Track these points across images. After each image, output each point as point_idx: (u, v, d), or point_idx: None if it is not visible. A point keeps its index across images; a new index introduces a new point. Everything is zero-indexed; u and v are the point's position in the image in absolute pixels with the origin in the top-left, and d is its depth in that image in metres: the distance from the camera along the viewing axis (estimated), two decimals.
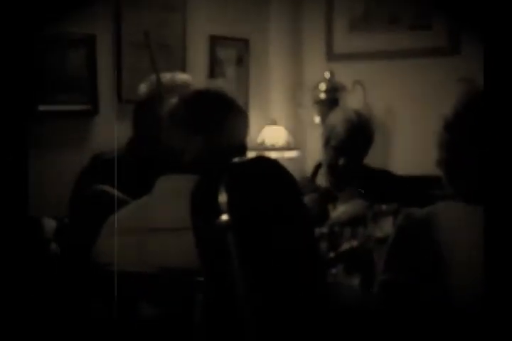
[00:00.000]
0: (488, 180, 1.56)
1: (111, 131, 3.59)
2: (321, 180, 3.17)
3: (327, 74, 4.64)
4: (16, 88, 1.65)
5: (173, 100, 1.99)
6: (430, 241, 1.70)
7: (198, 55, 4.25)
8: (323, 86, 4.62)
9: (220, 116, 1.92)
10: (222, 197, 1.61)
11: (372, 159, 3.20)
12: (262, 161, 1.72)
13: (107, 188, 2.23)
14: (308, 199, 2.72)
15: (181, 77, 2.68)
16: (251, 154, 2.05)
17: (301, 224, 1.70)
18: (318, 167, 3.21)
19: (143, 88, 2.68)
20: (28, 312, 1.64)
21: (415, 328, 1.73)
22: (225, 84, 2.16)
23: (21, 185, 1.63)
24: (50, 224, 2.14)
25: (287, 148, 4.57)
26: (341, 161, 3.02)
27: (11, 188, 1.60)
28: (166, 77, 2.67)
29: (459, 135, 1.76)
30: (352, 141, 3.01)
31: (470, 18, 4.33)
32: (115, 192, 2.19)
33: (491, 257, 1.50)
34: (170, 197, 1.87)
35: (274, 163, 1.73)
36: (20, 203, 1.63)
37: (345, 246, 2.48)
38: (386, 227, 2.42)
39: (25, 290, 1.63)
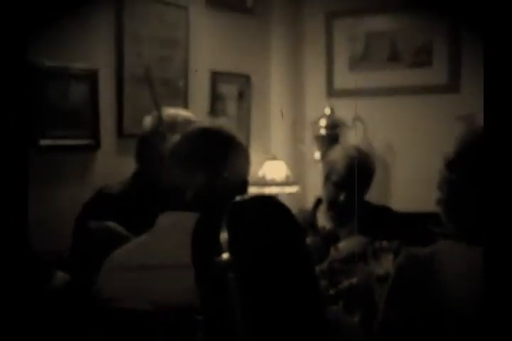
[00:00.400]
0: (487, 220, 1.56)
1: (112, 166, 3.60)
2: (322, 216, 3.17)
3: (327, 110, 4.67)
4: (16, 122, 1.65)
5: (175, 137, 2.00)
6: (431, 281, 1.69)
7: (200, 90, 4.28)
8: (323, 122, 4.64)
9: (222, 153, 1.93)
10: (224, 236, 1.60)
11: (373, 195, 3.21)
12: (264, 200, 1.72)
13: (111, 224, 2.23)
14: (311, 240, 2.72)
15: (183, 113, 2.70)
16: (251, 189, 2.05)
17: (302, 263, 1.69)
18: (318, 202, 3.21)
19: (147, 122, 2.69)
20: None
21: None
22: (226, 122, 2.18)
23: (21, 220, 1.63)
24: (63, 277, 2.13)
25: (287, 183, 4.57)
26: (342, 197, 3.02)
27: (11, 224, 1.60)
28: (169, 112, 2.69)
29: (460, 174, 1.76)
30: (352, 176, 3.01)
31: (470, 52, 4.37)
32: (119, 228, 2.19)
33: (491, 297, 1.50)
34: (171, 234, 1.87)
35: (276, 202, 1.73)
36: (20, 238, 1.62)
37: (345, 283, 2.47)
38: (386, 264, 2.41)
39: (26, 325, 1.62)
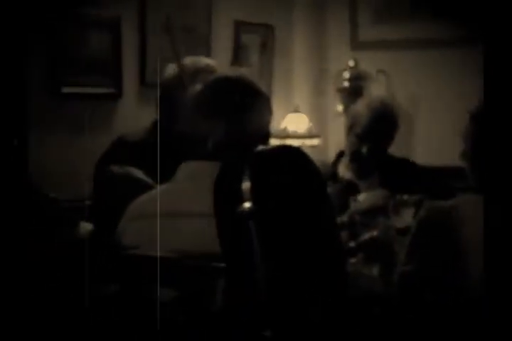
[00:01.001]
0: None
1: (134, 114, 3.60)
2: (343, 169, 3.16)
3: (351, 63, 4.62)
4: (39, 71, 1.64)
5: (197, 86, 1.99)
6: (451, 234, 1.69)
7: (223, 39, 4.24)
8: (346, 74, 4.60)
9: (243, 102, 1.92)
10: (246, 185, 1.60)
11: (395, 148, 3.19)
12: (286, 149, 1.72)
13: (133, 170, 2.22)
14: (331, 190, 2.72)
15: (205, 61, 2.67)
16: (273, 141, 2.04)
17: (323, 213, 1.69)
18: (340, 155, 3.20)
19: (169, 70, 2.67)
20: (45, 293, 1.65)
21: (433, 319, 1.72)
22: (248, 72, 2.16)
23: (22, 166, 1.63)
24: (86, 227, 2.14)
25: (309, 135, 4.55)
26: (364, 149, 3.01)
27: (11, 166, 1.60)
28: (191, 60, 2.66)
29: (484, 127, 1.74)
30: (376, 128, 3.00)
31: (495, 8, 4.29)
32: (140, 174, 2.19)
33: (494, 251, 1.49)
34: (193, 182, 1.87)
35: (298, 152, 1.72)
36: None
37: (366, 235, 2.48)
38: (407, 218, 2.41)
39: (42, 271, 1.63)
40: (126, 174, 2.22)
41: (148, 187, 2.02)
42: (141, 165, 2.33)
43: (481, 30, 4.39)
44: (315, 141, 4.58)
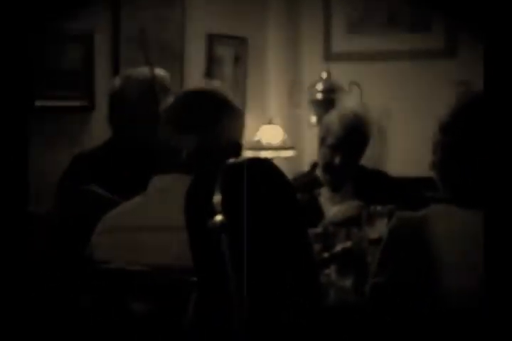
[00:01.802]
0: (483, 184, 1.56)
1: (107, 127, 3.59)
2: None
3: (324, 75, 4.65)
4: (15, 84, 1.64)
5: (169, 99, 1.99)
6: (422, 244, 1.70)
7: (196, 52, 4.25)
8: (320, 86, 4.62)
9: (215, 115, 1.93)
10: (217, 198, 1.60)
11: (368, 160, 3.21)
12: (257, 162, 1.72)
13: (94, 187, 2.23)
14: (296, 184, 2.73)
15: (159, 72, 2.66)
16: (247, 153, 2.05)
17: (295, 225, 1.70)
18: (314, 166, 3.22)
19: (138, 81, 2.65)
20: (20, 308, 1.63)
21: (408, 330, 1.73)
22: (220, 85, 2.16)
23: (22, 182, 1.63)
24: None
25: (283, 147, 4.57)
26: (337, 160, 3.02)
27: (11, 186, 1.60)
28: (143, 71, 2.66)
29: (454, 137, 1.76)
30: (348, 140, 3.01)
31: (468, 19, 4.35)
32: (102, 191, 2.19)
33: (490, 262, 1.50)
34: (164, 196, 1.87)
35: (269, 164, 1.72)
36: (20, 200, 1.62)
37: (339, 246, 2.49)
38: (380, 228, 2.42)
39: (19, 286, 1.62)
40: (88, 191, 2.23)
41: (112, 203, 2.01)
42: (104, 181, 2.34)
43: (456, 43, 4.45)
44: (289, 153, 4.59)
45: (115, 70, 3.74)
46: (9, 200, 1.59)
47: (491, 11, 1.59)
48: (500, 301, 1.46)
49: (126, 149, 2.60)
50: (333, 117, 3.09)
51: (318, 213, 2.95)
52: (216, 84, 2.11)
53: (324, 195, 3.08)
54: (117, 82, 2.69)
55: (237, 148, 1.97)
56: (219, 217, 1.59)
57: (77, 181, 2.44)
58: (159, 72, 2.68)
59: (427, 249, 1.70)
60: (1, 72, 1.62)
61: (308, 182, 3.08)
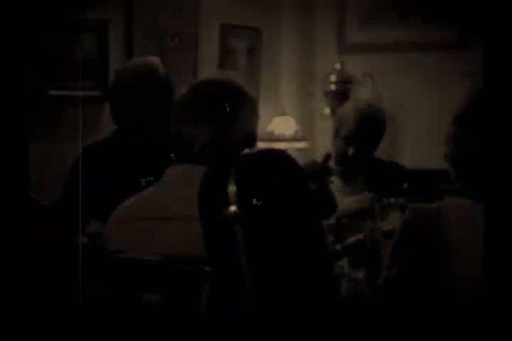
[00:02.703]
0: (493, 176, 1.56)
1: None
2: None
3: (337, 66, 4.63)
4: (26, 73, 1.64)
5: (183, 89, 1.99)
6: (435, 237, 1.69)
7: (210, 43, 4.25)
8: (333, 77, 4.61)
9: (230, 105, 1.92)
10: (232, 188, 1.60)
11: (382, 151, 3.20)
12: (273, 153, 1.72)
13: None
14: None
15: (153, 60, 2.63)
16: (260, 144, 2.05)
17: (309, 216, 1.70)
18: (327, 158, 3.21)
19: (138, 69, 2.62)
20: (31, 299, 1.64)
21: (419, 322, 1.73)
22: (235, 74, 2.16)
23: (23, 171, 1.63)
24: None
25: (296, 138, 4.56)
26: (351, 152, 3.01)
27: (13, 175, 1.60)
28: (138, 61, 2.65)
29: (467, 128, 1.76)
30: (362, 131, 3.00)
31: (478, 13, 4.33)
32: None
33: (491, 255, 1.50)
34: (178, 186, 1.87)
35: (284, 155, 1.72)
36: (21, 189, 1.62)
37: (352, 238, 2.48)
38: (393, 221, 2.41)
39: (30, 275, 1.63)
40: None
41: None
42: (113, 173, 2.35)
43: (471, 33, 4.43)
44: (302, 144, 4.58)
45: (129, 60, 3.74)
46: (12, 187, 1.58)
47: (492, 8, 1.59)
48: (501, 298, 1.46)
49: (134, 141, 2.59)
50: (347, 109, 3.08)
51: (332, 205, 2.95)
52: (231, 74, 2.10)
53: (337, 186, 3.07)
54: (119, 75, 2.66)
55: (251, 138, 1.96)
56: (233, 208, 1.60)
57: (87, 173, 2.45)
58: (154, 60, 2.64)
59: (440, 241, 1.69)
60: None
61: (318, 170, 3.07)
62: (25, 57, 1.63)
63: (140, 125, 2.57)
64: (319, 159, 3.32)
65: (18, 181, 1.59)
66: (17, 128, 1.62)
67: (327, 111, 4.61)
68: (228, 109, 1.92)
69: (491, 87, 1.64)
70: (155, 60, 2.62)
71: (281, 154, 1.75)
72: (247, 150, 1.72)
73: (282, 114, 4.58)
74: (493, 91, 1.63)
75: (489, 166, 1.65)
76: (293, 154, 1.83)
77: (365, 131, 3.01)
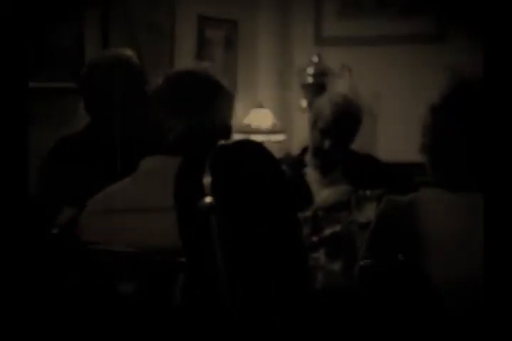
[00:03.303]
0: (473, 166, 1.56)
1: None
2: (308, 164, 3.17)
3: (315, 58, 4.63)
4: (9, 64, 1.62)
5: (159, 79, 1.98)
6: (410, 228, 1.70)
7: (187, 34, 4.23)
8: (310, 70, 4.61)
9: (204, 96, 1.91)
10: (207, 179, 1.60)
11: (358, 144, 3.20)
12: (248, 144, 1.72)
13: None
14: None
15: (126, 53, 2.61)
16: (237, 137, 2.05)
17: (284, 207, 1.70)
18: (304, 150, 3.21)
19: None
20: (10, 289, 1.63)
21: (395, 312, 1.73)
22: (211, 66, 2.15)
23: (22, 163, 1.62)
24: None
25: (273, 131, 4.56)
26: (327, 144, 3.02)
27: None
28: (109, 52, 2.63)
29: (444, 120, 1.76)
30: (339, 124, 3.01)
31: (459, 5, 4.35)
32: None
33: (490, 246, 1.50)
34: (153, 177, 1.86)
35: (260, 147, 1.72)
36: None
37: (328, 230, 2.49)
38: (369, 213, 2.42)
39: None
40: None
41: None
42: (87, 164, 2.34)
43: (450, 25, 4.45)
44: (279, 137, 4.58)
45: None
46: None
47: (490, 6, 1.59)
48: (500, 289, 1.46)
49: (107, 133, 2.57)
50: (324, 101, 3.09)
51: (308, 197, 2.96)
52: (207, 66, 2.09)
53: (314, 178, 3.08)
54: (91, 66, 2.63)
55: (226, 130, 1.96)
56: (208, 199, 1.59)
57: (60, 164, 2.44)
58: (126, 51, 2.62)
59: (415, 232, 1.70)
60: None
61: (293, 163, 3.08)
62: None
63: (113, 117, 2.55)
64: (296, 152, 3.32)
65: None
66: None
67: (304, 103, 4.61)
68: (204, 100, 1.91)
69: (470, 80, 1.65)
70: (127, 50, 2.60)
71: (257, 146, 1.75)
72: (222, 142, 1.71)
73: (260, 106, 4.58)
74: (472, 84, 1.64)
75: (464, 157, 1.66)
76: (270, 146, 1.82)
77: (342, 123, 3.01)
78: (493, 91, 1.51)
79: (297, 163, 3.10)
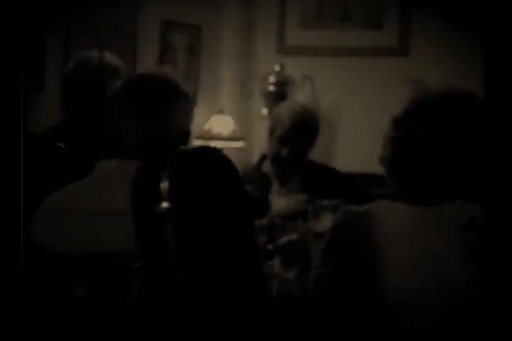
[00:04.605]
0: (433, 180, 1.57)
1: (56, 108, 3.54)
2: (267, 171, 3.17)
3: (277, 67, 4.65)
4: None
5: (118, 82, 1.96)
6: (365, 237, 1.71)
7: (150, 38, 4.22)
8: (272, 78, 4.63)
9: (164, 100, 1.90)
10: (164, 185, 1.59)
11: (317, 155, 3.22)
12: (207, 150, 1.72)
13: None
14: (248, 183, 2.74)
15: (111, 59, 2.62)
16: (197, 142, 2.04)
17: (240, 215, 1.70)
18: (262, 158, 3.22)
19: (87, 64, 2.61)
20: None
21: (348, 322, 1.74)
22: (172, 70, 2.14)
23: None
24: None
25: (233, 138, 4.56)
26: (285, 152, 3.03)
27: None
28: (95, 56, 2.63)
29: (405, 133, 1.78)
30: (296, 132, 3.02)
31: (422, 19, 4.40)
32: None
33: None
34: (109, 181, 1.85)
35: (218, 153, 1.72)
36: None
37: (284, 239, 2.50)
38: (325, 222, 2.43)
39: None
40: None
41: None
42: (53, 164, 2.31)
43: (408, 41, 4.50)
44: (239, 144, 4.59)
45: (65, 51, 3.70)
46: None
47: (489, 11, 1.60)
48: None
49: (76, 132, 2.57)
50: (282, 110, 3.10)
51: (266, 205, 2.96)
52: (169, 70, 2.08)
53: (272, 187, 3.08)
54: (69, 65, 2.66)
55: (185, 135, 1.95)
56: (165, 204, 1.59)
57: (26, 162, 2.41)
58: (111, 58, 2.65)
59: (370, 242, 1.71)
60: None
61: (258, 178, 3.08)
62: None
63: (79, 118, 2.56)
64: (255, 159, 3.32)
65: None
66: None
67: (265, 111, 4.63)
68: (163, 104, 1.90)
69: (432, 93, 1.67)
70: (107, 53, 2.62)
71: (216, 152, 1.75)
72: (181, 147, 1.71)
73: (221, 112, 4.58)
74: (434, 97, 1.66)
75: (422, 169, 1.68)
76: (230, 153, 1.82)
77: (299, 131, 3.03)
78: (494, 105, 1.53)
79: (263, 178, 3.10)
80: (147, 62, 4.09)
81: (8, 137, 1.55)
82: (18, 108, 1.56)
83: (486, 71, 1.55)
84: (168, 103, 1.90)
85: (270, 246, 2.48)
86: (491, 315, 1.45)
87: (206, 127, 4.54)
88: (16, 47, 1.57)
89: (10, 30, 1.59)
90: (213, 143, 4.45)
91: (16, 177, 1.56)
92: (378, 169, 1.88)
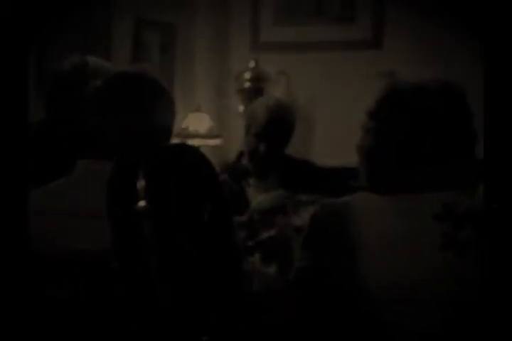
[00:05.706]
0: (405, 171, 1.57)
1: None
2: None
3: (252, 64, 4.65)
4: None
5: (97, 81, 1.95)
6: (344, 231, 1.72)
7: (123, 36, 4.21)
8: (247, 75, 4.63)
9: (144, 99, 1.89)
10: (140, 183, 1.59)
11: (294, 149, 3.22)
12: (183, 149, 1.71)
13: None
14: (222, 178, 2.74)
15: (106, 64, 2.64)
16: (174, 140, 2.03)
17: (219, 212, 1.70)
18: (240, 155, 3.22)
19: (67, 66, 2.62)
20: None
21: (331, 314, 1.74)
22: (149, 68, 2.14)
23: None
24: None
25: (210, 135, 4.56)
26: (261, 148, 3.03)
27: None
28: (91, 60, 2.63)
29: (378, 124, 1.79)
30: (272, 127, 3.02)
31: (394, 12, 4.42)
32: None
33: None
34: (88, 181, 1.84)
35: (195, 151, 1.72)
36: None
37: (264, 234, 2.50)
38: (305, 217, 2.44)
39: None
40: None
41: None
42: (33, 162, 2.30)
43: (381, 34, 4.52)
44: (216, 141, 4.58)
45: (41, 52, 3.68)
46: None
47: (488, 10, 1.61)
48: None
49: (57, 131, 2.56)
50: (257, 106, 3.10)
51: (244, 202, 2.96)
52: (144, 68, 2.07)
53: (250, 183, 3.09)
54: (57, 66, 2.67)
55: (165, 134, 1.94)
56: (142, 203, 1.58)
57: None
58: (93, 59, 2.65)
59: (349, 235, 1.72)
60: None
61: (238, 172, 3.08)
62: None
63: (60, 117, 2.56)
64: (233, 156, 3.32)
65: None
66: None
67: (241, 108, 4.63)
68: (142, 103, 1.89)
69: (405, 84, 1.68)
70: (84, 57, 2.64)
71: (193, 150, 1.74)
72: (159, 146, 1.70)
73: (198, 110, 4.57)
74: (408, 88, 1.67)
75: (397, 160, 1.69)
76: (207, 151, 1.82)
77: (275, 127, 3.03)
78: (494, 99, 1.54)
79: (242, 171, 3.10)
80: (121, 60, 4.08)
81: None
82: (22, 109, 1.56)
83: (486, 70, 1.56)
84: (147, 101, 1.89)
85: (250, 243, 2.47)
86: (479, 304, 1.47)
87: (183, 125, 4.53)
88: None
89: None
90: (190, 141, 4.44)
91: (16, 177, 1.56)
92: (354, 162, 1.89)
